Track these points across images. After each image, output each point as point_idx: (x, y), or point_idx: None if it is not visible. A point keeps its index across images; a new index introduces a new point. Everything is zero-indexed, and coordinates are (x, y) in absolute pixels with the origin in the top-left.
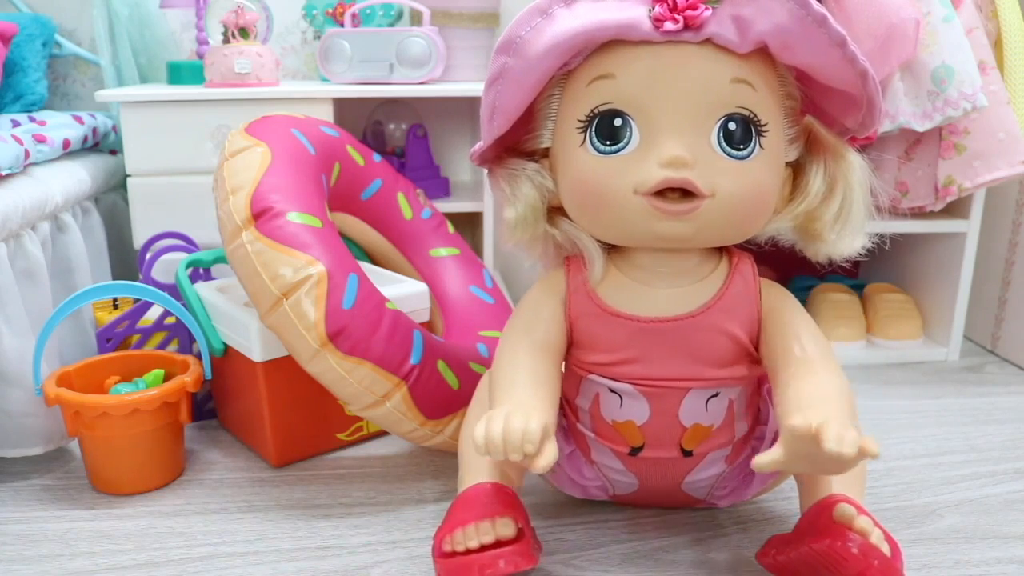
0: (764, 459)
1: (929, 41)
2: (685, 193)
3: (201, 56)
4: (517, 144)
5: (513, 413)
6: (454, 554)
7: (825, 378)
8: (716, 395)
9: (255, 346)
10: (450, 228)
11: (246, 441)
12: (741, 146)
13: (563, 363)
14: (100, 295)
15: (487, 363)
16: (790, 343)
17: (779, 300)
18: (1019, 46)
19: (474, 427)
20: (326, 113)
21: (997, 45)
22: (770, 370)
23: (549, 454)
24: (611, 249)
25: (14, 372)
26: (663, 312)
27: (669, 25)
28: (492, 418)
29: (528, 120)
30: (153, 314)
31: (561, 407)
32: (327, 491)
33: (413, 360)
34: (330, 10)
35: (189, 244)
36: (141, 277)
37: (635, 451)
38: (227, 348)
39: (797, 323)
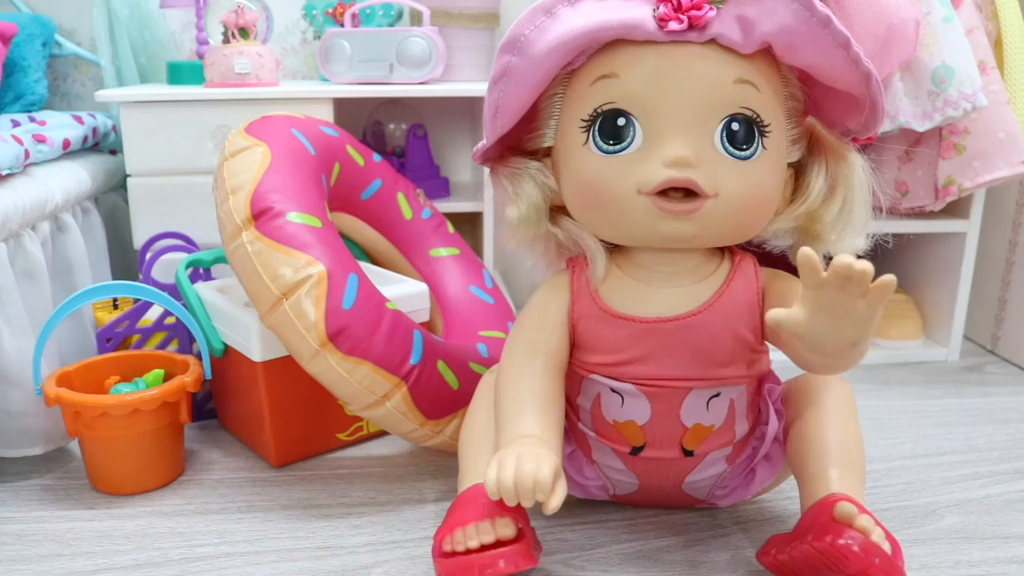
0: (780, 313)
1: (929, 41)
2: (688, 193)
3: (201, 56)
4: (520, 143)
5: (524, 457)
6: (454, 554)
7: None
8: (717, 395)
9: (255, 346)
10: (450, 228)
11: (246, 441)
12: (744, 146)
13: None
14: (100, 295)
15: (487, 363)
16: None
17: (780, 279)
18: (1019, 46)
19: (474, 427)
20: (326, 113)
21: (997, 45)
22: (774, 333)
23: (560, 495)
24: (613, 249)
25: (14, 372)
26: (665, 312)
27: (673, 25)
28: (503, 463)
29: (531, 119)
30: (153, 314)
31: None
32: (327, 491)
33: (413, 360)
34: (330, 10)
35: (189, 244)
36: (141, 277)
37: (636, 451)
38: (227, 348)
39: (798, 287)
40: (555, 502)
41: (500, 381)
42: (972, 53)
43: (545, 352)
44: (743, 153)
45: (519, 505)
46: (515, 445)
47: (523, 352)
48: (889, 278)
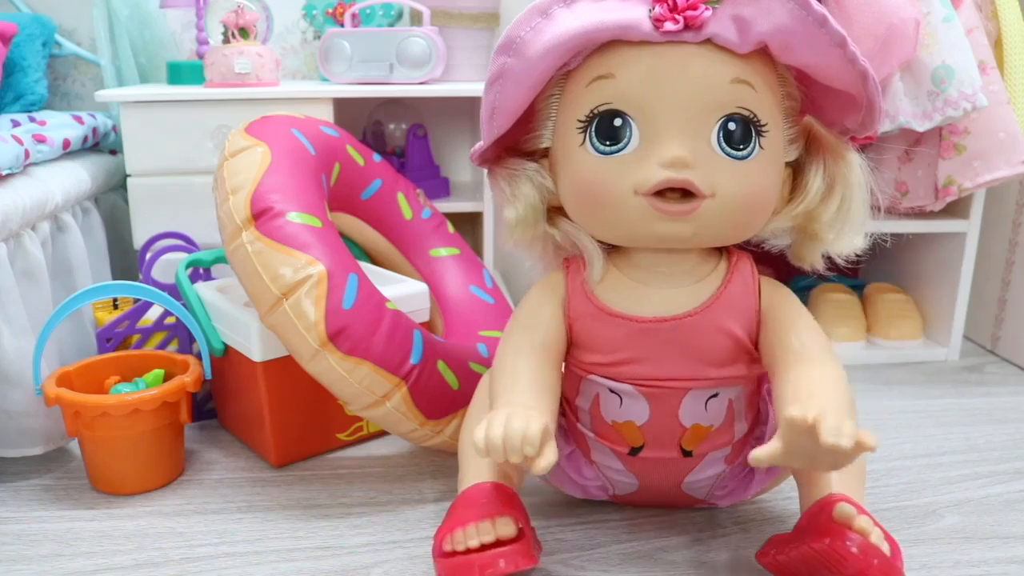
0: (761, 453)
1: (929, 41)
2: (685, 193)
3: (201, 56)
4: (517, 144)
5: (513, 415)
6: (454, 553)
7: (823, 370)
8: (716, 395)
9: (255, 346)
10: (450, 228)
11: (246, 441)
12: (741, 146)
13: (563, 364)
14: (100, 295)
15: (487, 363)
16: (788, 337)
17: (778, 297)
18: (1019, 46)
19: (474, 427)
20: (326, 113)
21: (997, 45)
22: (768, 365)
23: (549, 456)
24: (611, 249)
25: (14, 372)
26: (662, 312)
27: (669, 25)
28: (492, 420)
29: (528, 120)
30: (153, 314)
31: (561, 407)
32: (327, 491)
33: (413, 360)
34: (330, 10)
35: (189, 244)
36: (141, 277)
37: (635, 451)
38: (227, 348)
39: (796, 318)
40: (544, 462)
41: (495, 365)
42: (972, 53)
43: (542, 338)
44: (740, 153)
45: (519, 504)
46: (506, 408)
47: (518, 338)
48: (870, 441)
